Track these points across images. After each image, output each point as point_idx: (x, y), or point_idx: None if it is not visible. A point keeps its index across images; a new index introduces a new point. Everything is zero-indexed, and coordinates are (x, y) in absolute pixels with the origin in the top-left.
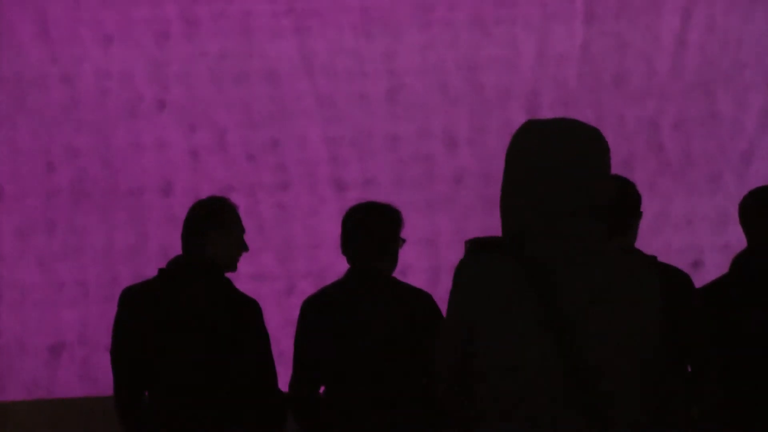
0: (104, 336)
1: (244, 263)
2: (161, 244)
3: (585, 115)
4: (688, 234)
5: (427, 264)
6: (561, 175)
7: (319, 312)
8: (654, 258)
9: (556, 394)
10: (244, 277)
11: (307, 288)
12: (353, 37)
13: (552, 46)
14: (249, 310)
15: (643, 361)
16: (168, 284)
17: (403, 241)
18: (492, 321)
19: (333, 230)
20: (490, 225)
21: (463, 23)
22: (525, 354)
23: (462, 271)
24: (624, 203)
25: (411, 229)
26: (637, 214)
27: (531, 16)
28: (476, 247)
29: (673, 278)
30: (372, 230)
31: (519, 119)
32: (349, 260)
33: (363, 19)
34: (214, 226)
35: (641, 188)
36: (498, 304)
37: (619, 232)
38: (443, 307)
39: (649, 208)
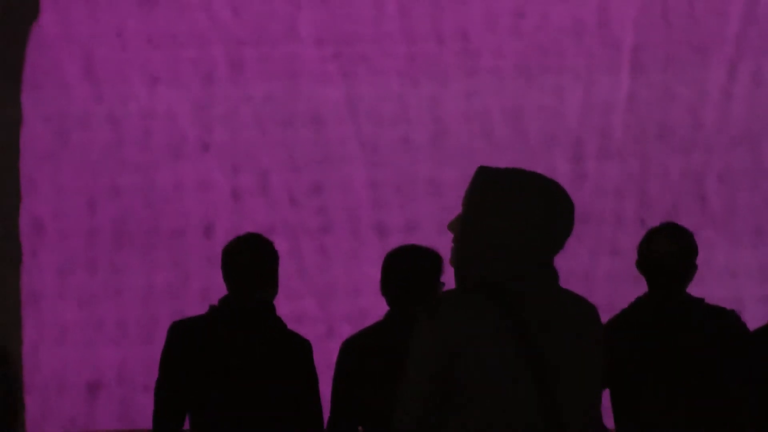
0: (143, 376)
1: (285, 305)
2: (202, 286)
3: (629, 165)
4: (731, 286)
5: None
6: (533, 228)
7: (358, 354)
8: (702, 300)
9: (532, 426)
10: (284, 320)
11: (347, 332)
12: (399, 82)
13: (597, 96)
14: (302, 349)
15: (594, 395)
16: (221, 321)
17: (443, 284)
18: (476, 353)
19: (374, 275)
20: None
21: (509, 71)
22: (506, 388)
23: (444, 307)
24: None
25: (453, 276)
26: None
27: (577, 66)
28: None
29: (722, 315)
30: (412, 273)
31: (563, 167)
32: (388, 302)
33: (409, 66)
34: (272, 265)
35: None
36: (481, 338)
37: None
38: None
39: None
